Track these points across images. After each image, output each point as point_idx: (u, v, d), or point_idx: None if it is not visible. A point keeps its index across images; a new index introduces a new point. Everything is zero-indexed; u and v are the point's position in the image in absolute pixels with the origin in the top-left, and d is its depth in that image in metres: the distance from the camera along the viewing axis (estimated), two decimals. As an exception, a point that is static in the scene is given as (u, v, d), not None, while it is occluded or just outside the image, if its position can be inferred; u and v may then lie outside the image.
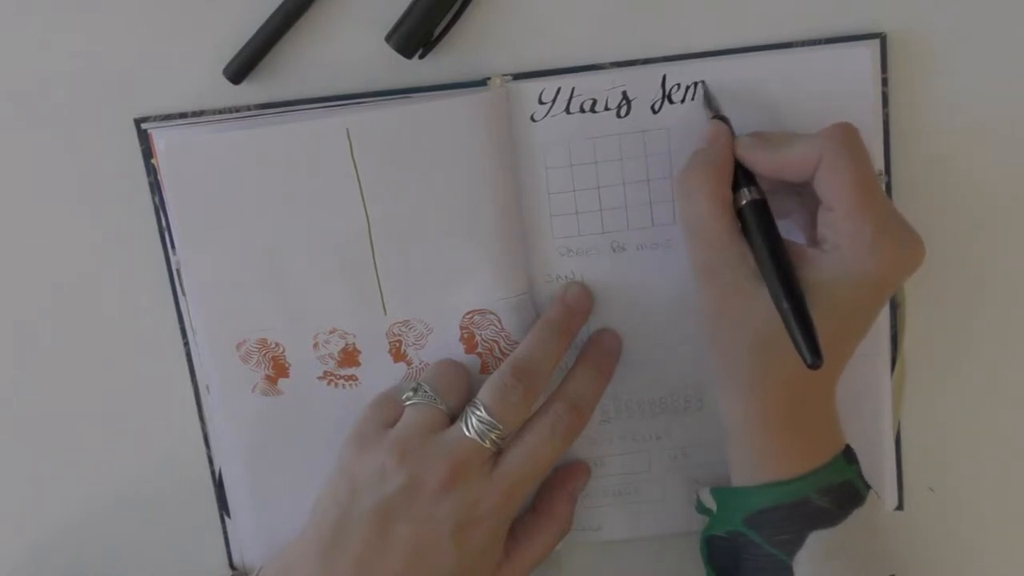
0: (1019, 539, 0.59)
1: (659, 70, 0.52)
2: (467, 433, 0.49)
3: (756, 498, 0.49)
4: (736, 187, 0.49)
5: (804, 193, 0.49)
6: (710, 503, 0.52)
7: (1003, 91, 0.53)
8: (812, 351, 0.45)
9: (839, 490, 0.49)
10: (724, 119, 0.50)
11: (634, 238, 0.53)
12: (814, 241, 0.49)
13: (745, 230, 0.48)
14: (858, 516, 0.49)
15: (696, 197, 0.48)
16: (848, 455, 0.50)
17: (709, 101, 0.51)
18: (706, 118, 0.51)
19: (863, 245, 0.46)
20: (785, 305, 0.46)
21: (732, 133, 0.50)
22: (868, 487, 0.50)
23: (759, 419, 0.49)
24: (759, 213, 0.48)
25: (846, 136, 0.47)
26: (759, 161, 0.49)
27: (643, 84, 0.52)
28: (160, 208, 0.53)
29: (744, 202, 0.48)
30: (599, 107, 0.52)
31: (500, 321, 0.53)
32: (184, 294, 0.53)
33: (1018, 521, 0.58)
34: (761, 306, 0.47)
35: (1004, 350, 0.56)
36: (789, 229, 0.50)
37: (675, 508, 0.56)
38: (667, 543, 0.57)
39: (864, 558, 0.49)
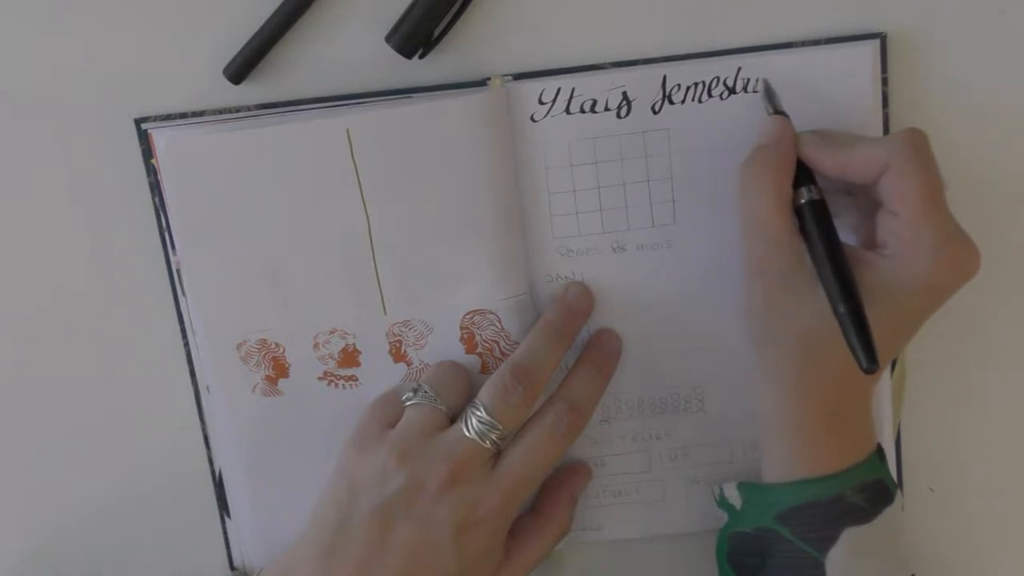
0: (1019, 539, 0.59)
1: (659, 70, 0.52)
2: (467, 434, 0.49)
3: (790, 494, 0.49)
4: (795, 185, 0.48)
5: (858, 194, 0.49)
6: (735, 499, 0.52)
7: (1003, 91, 0.53)
8: (868, 356, 0.45)
9: (872, 488, 0.49)
10: (784, 115, 0.50)
11: (634, 238, 0.53)
12: (866, 243, 0.49)
13: (803, 229, 0.48)
14: (888, 515, 0.49)
15: (757, 194, 0.48)
16: (880, 453, 0.50)
17: (770, 96, 0.51)
18: (765, 113, 0.50)
19: (925, 253, 0.46)
20: (842, 308, 0.46)
21: (793, 130, 0.50)
22: (896, 486, 0.50)
23: (799, 416, 0.49)
24: (818, 213, 0.48)
25: (917, 143, 0.47)
26: (823, 161, 0.48)
27: (643, 84, 0.52)
28: (160, 208, 0.53)
29: (803, 200, 0.48)
30: (599, 107, 0.52)
31: (500, 321, 0.53)
32: (184, 294, 0.53)
33: (1018, 521, 0.58)
34: (813, 306, 0.47)
35: (1005, 350, 0.56)
36: (839, 230, 0.50)
37: (675, 508, 0.57)
38: (668, 543, 0.57)
39: (891, 557, 0.49)
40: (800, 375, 0.48)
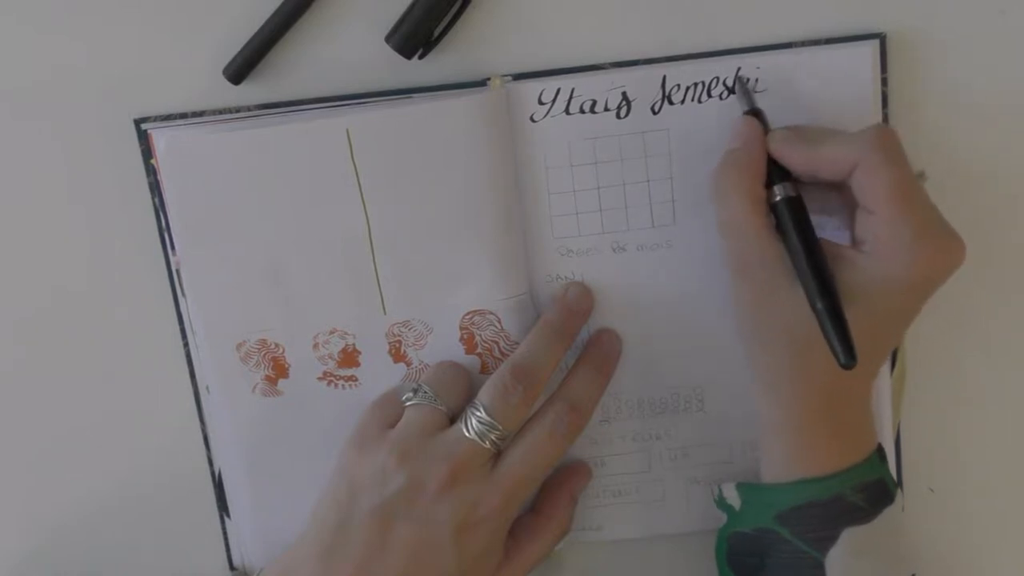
0: (1019, 539, 0.59)
1: (659, 70, 0.52)
2: (467, 434, 0.49)
3: (789, 495, 0.49)
4: (770, 182, 0.48)
5: (845, 190, 0.49)
6: (734, 499, 0.52)
7: (1003, 91, 0.53)
8: (846, 351, 0.45)
9: (872, 488, 0.49)
10: (758, 112, 0.50)
11: (634, 238, 0.53)
12: (852, 241, 0.49)
13: (780, 227, 0.48)
14: (888, 515, 0.49)
15: (730, 197, 0.48)
16: (880, 453, 0.50)
17: (744, 94, 0.51)
18: (740, 111, 0.50)
19: (902, 250, 0.46)
20: (819, 304, 0.46)
21: (766, 127, 0.49)
22: (896, 486, 0.50)
23: (795, 416, 0.49)
24: (793, 210, 0.48)
25: (884, 139, 0.47)
26: (792, 158, 0.48)
27: (643, 85, 0.52)
28: (160, 208, 0.53)
29: (778, 198, 0.48)
30: (599, 108, 0.52)
31: (500, 321, 0.53)
32: (184, 294, 0.53)
33: (1018, 521, 0.58)
34: (797, 304, 0.47)
35: (1005, 350, 0.56)
36: (834, 227, 0.50)
37: (675, 508, 0.57)
38: (667, 543, 0.57)
39: (891, 557, 0.49)
40: (791, 375, 0.48)
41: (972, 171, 0.54)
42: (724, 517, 0.52)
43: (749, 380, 0.51)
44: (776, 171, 0.49)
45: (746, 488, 0.51)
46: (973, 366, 0.56)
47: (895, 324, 0.49)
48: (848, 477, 0.48)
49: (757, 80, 0.51)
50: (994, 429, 0.57)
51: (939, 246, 0.46)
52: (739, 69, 0.51)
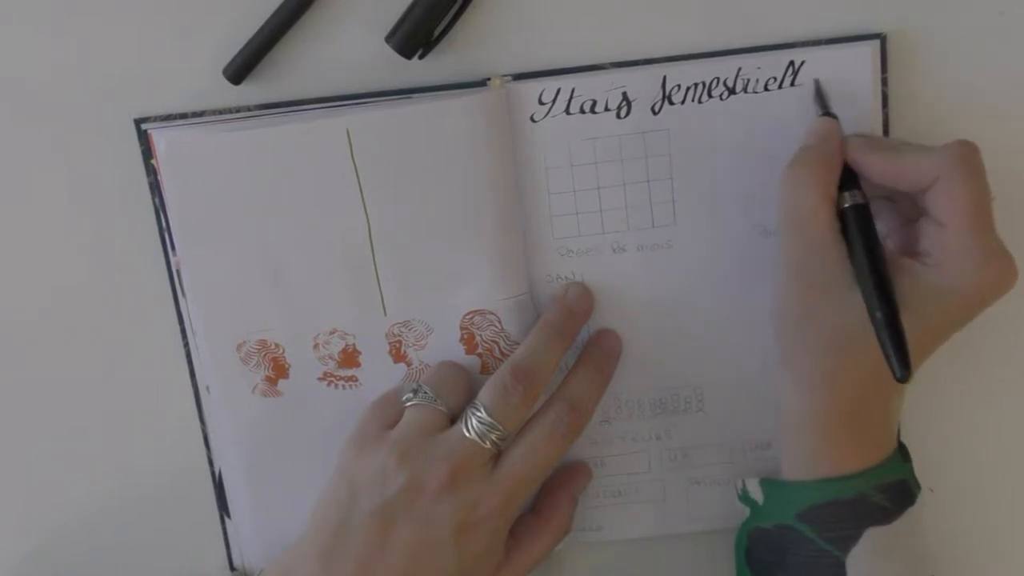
0: (1019, 539, 0.59)
1: (659, 70, 0.52)
2: (467, 434, 0.49)
3: (811, 493, 0.49)
4: (840, 188, 0.48)
5: (899, 200, 0.49)
6: (757, 494, 0.52)
7: (1003, 91, 0.53)
8: (902, 365, 0.45)
9: (895, 488, 0.49)
10: (833, 116, 0.50)
11: (634, 239, 0.53)
12: (901, 249, 0.49)
13: (845, 232, 0.48)
14: (910, 515, 0.49)
15: (803, 191, 0.48)
16: (903, 453, 0.50)
17: (821, 97, 0.51)
18: (815, 114, 0.50)
19: (970, 266, 0.46)
20: (879, 315, 0.46)
21: (842, 131, 0.50)
22: (919, 487, 0.50)
23: (821, 415, 0.49)
24: (862, 217, 0.48)
25: (968, 155, 0.47)
26: (872, 165, 0.48)
27: (643, 85, 0.52)
28: (160, 208, 0.53)
29: (847, 204, 0.48)
30: (599, 108, 0.52)
31: (500, 321, 0.53)
32: (184, 294, 0.53)
33: (1018, 521, 0.58)
34: (848, 308, 0.47)
35: (1004, 349, 0.56)
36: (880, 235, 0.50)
37: (675, 508, 0.57)
38: (667, 543, 0.57)
39: (913, 558, 0.50)
40: (830, 376, 0.48)
41: (972, 171, 0.54)
42: (746, 512, 0.52)
43: (769, 374, 0.50)
44: (846, 177, 0.49)
45: (769, 484, 0.51)
46: (973, 366, 0.56)
47: (940, 335, 0.49)
48: (871, 477, 0.48)
49: (757, 80, 0.51)
50: (994, 429, 0.57)
51: (1002, 267, 0.47)
52: (817, 81, 0.51)
